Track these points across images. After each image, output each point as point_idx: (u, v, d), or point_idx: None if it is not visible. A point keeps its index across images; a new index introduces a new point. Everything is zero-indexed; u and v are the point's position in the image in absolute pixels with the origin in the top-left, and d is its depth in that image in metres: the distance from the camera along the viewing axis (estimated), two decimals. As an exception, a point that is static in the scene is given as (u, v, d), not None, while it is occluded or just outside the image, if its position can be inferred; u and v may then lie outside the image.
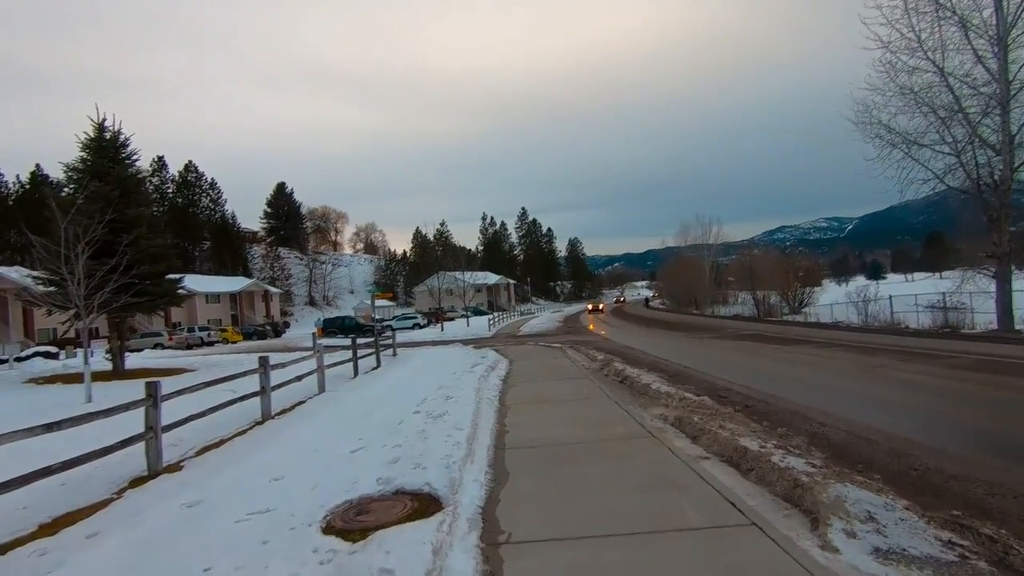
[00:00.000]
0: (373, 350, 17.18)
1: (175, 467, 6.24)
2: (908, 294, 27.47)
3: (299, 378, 10.41)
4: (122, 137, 16.31)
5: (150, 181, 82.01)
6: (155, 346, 37.03)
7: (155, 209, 79.23)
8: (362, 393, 10.97)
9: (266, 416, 8.80)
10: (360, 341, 17.16)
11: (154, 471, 5.86)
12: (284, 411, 9.61)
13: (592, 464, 4.89)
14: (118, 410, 5.49)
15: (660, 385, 8.63)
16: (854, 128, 20.32)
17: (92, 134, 15.88)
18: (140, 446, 5.85)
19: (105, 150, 15.96)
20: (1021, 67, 17.58)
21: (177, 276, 17.36)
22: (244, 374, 8.97)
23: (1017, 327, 17.85)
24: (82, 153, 15.85)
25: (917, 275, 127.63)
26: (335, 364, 13.89)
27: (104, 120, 16.11)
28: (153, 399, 5.92)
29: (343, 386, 12.37)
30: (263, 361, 8.91)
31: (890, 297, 25.90)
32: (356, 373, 14.36)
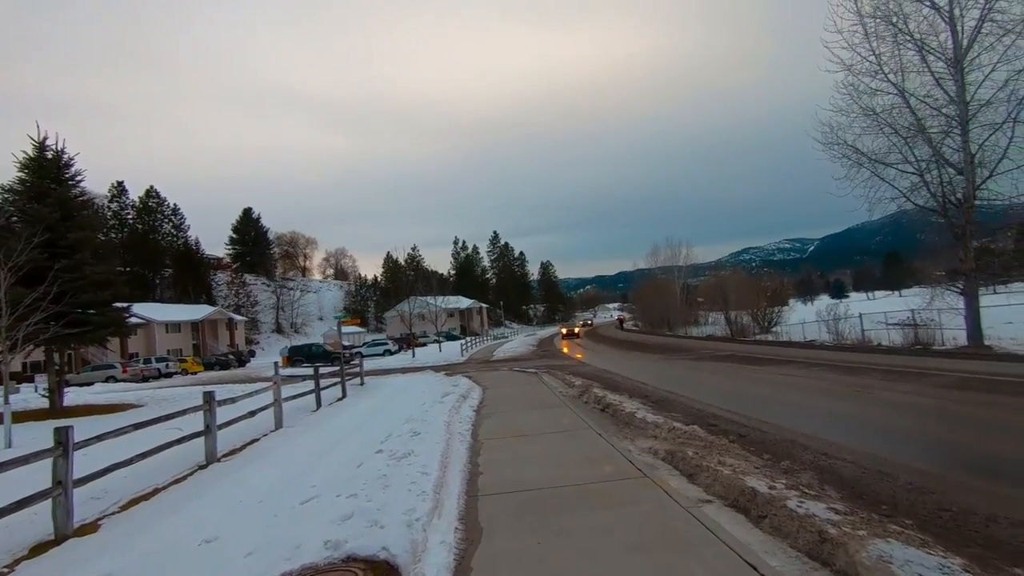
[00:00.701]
0: (338, 380, 16.25)
1: (91, 527, 5.32)
2: (877, 312, 27.83)
3: (252, 414, 9.49)
4: (66, 156, 15.19)
5: (109, 207, 79.22)
6: (108, 379, 34.91)
7: (114, 235, 76.72)
8: (323, 428, 10.08)
9: (211, 458, 7.87)
10: (325, 370, 16.22)
11: (62, 535, 4.94)
12: (234, 451, 8.68)
13: (580, 514, 4.21)
14: (13, 465, 4.58)
15: (645, 413, 8.04)
16: (822, 148, 20.55)
17: (32, 153, 14.77)
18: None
19: (46, 170, 14.83)
20: (978, 88, 17.99)
21: (124, 304, 16.11)
22: (186, 411, 8.04)
23: (987, 343, 17.96)
24: (20, 173, 14.72)
25: (878, 293, 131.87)
26: (297, 396, 12.93)
27: (45, 139, 15.03)
28: (63, 447, 5.03)
29: (303, 420, 11.44)
30: (208, 397, 8.01)
31: (860, 315, 26.10)
32: (319, 405, 13.42)
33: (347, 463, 6.42)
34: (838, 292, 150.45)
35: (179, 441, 7.35)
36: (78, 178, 15.39)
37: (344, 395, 15.94)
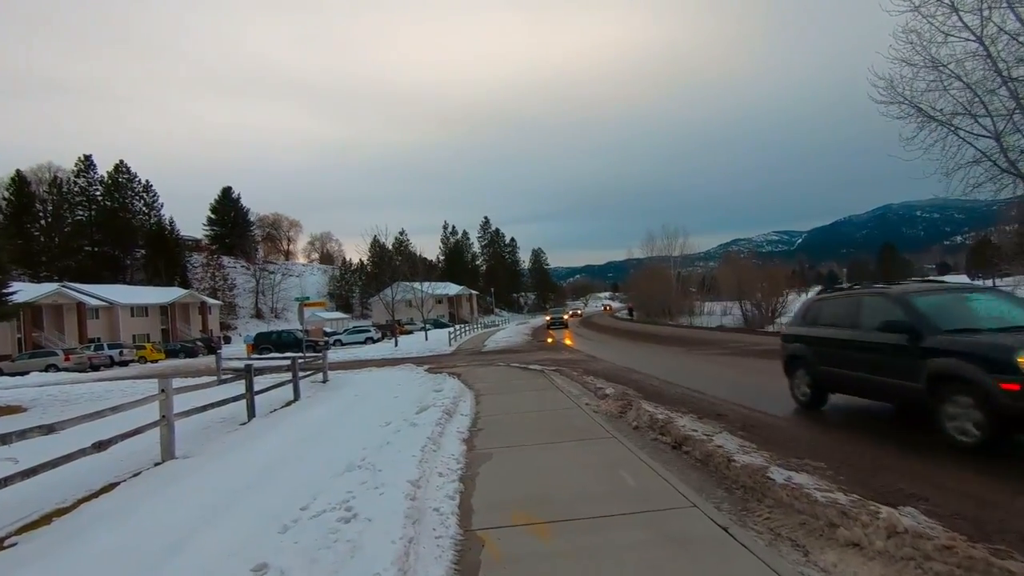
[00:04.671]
0: (299, 376, 12.69)
1: None
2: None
3: (99, 446, 5.79)
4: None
5: (75, 182, 74.08)
6: (48, 367, 30.74)
7: (81, 212, 71.56)
8: (225, 463, 6.44)
9: (-23, 544, 4.23)
10: (260, 365, 12.71)
11: None
12: (57, 513, 5.07)
13: None
14: None
15: (774, 468, 4.45)
16: (883, 103, 16.99)
17: None
18: None
19: None
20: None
21: (-4, 278, 12.18)
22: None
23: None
24: None
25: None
26: (227, 401, 9.26)
27: None
28: None
29: (214, 444, 7.81)
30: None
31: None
32: (250, 416, 9.79)
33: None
34: (832, 284, 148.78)
35: None
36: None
37: (296, 398, 12.35)
